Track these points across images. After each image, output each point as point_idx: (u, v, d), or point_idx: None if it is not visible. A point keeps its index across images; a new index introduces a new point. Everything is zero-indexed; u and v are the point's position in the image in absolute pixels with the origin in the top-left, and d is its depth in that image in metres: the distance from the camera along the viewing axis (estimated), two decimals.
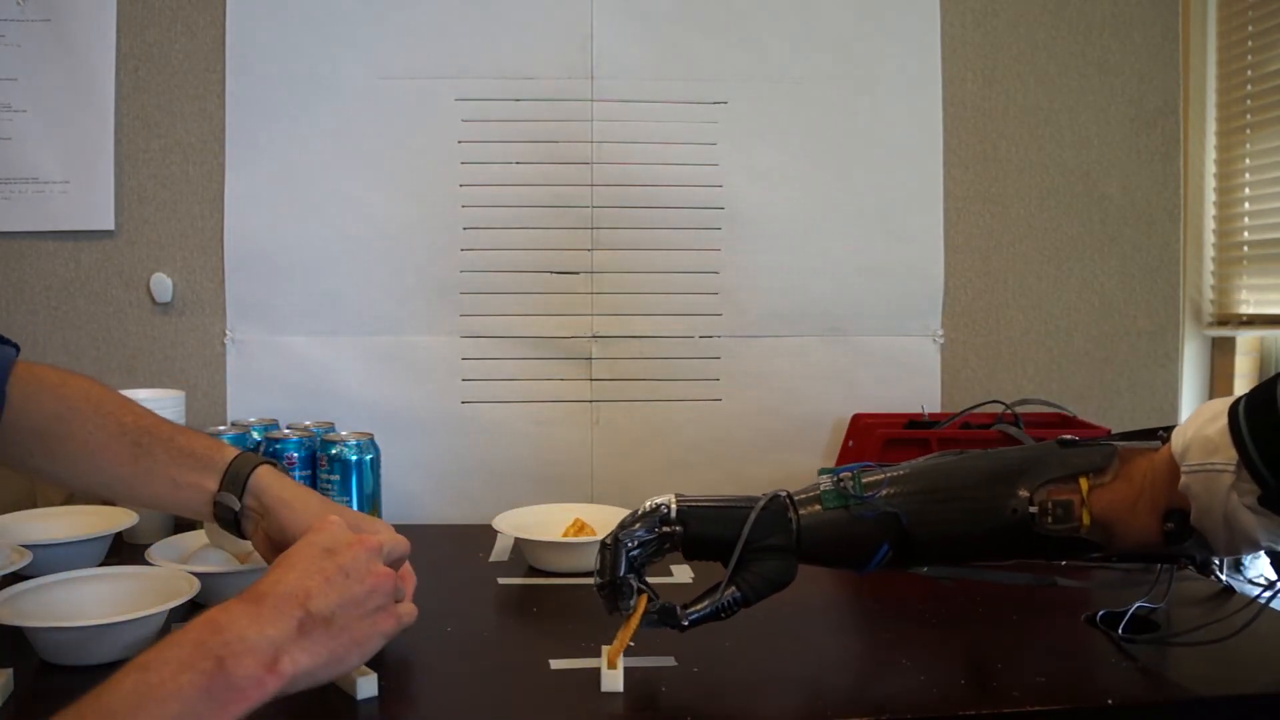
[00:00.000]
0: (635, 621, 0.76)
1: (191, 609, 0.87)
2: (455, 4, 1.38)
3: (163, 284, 1.36)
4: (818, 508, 0.80)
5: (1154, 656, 0.82)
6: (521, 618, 0.96)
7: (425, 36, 1.37)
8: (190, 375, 1.38)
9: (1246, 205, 1.44)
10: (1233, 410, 0.68)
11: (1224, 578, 1.05)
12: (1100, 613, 0.89)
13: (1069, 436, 0.79)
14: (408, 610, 0.70)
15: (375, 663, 0.71)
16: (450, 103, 1.38)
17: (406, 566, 0.78)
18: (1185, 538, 0.71)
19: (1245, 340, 1.47)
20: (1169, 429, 0.75)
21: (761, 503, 0.79)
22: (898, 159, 1.44)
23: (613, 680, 0.74)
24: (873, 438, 1.26)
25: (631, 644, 0.77)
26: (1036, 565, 1.08)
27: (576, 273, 1.40)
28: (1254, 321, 1.42)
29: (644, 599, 0.77)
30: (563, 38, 1.39)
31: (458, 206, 1.39)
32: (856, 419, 1.40)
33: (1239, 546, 0.70)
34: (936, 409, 1.43)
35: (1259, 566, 1.17)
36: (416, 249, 1.38)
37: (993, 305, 1.47)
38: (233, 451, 0.83)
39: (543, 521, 1.14)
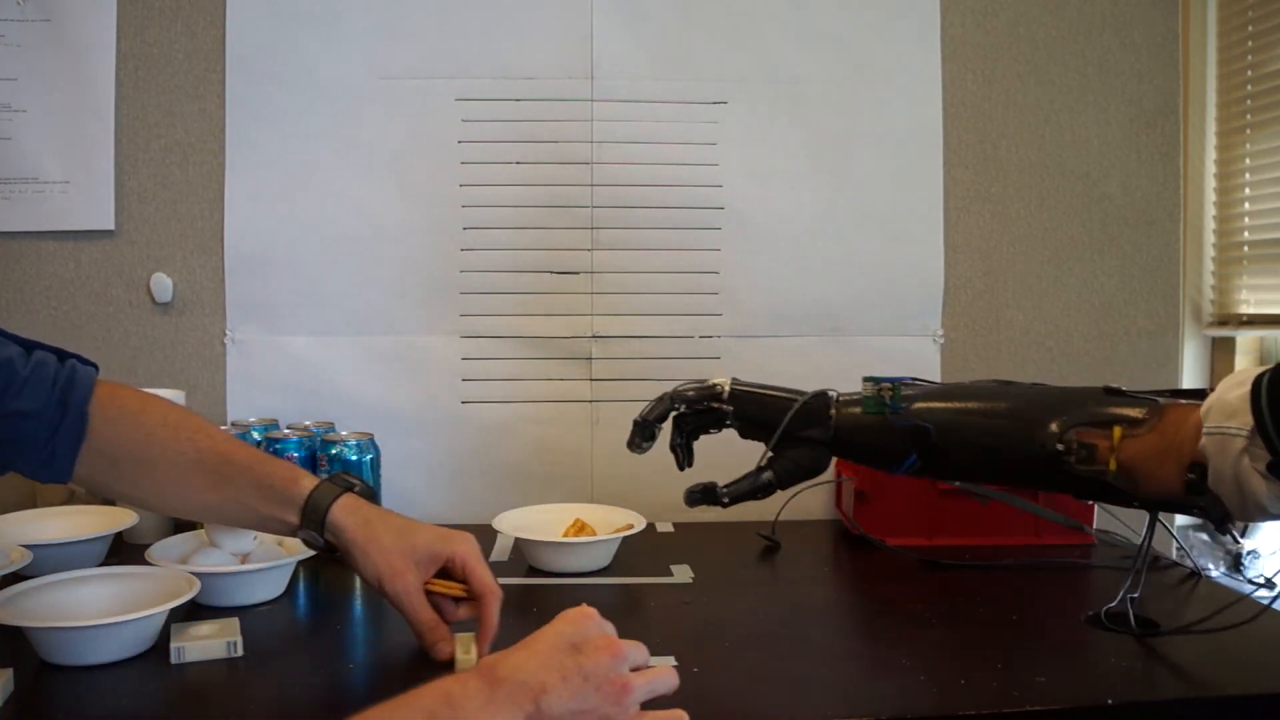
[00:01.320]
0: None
1: (191, 608, 0.87)
2: (455, 4, 1.38)
3: (163, 284, 1.36)
4: (857, 410, 0.89)
5: (1154, 656, 0.82)
6: (521, 618, 0.96)
7: (425, 36, 1.37)
8: (190, 375, 1.38)
9: (1246, 205, 1.44)
10: (1258, 378, 0.69)
11: (1216, 574, 1.05)
12: (1109, 609, 0.89)
13: (1116, 386, 0.82)
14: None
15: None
16: (450, 103, 1.38)
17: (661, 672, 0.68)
18: (1205, 491, 0.72)
19: (1245, 340, 1.47)
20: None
21: (806, 397, 0.90)
22: (898, 159, 1.44)
23: None
24: None
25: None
26: (1071, 507, 1.14)
27: (576, 273, 1.40)
28: (1254, 321, 1.42)
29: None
30: (563, 38, 1.39)
31: (458, 206, 1.39)
32: None
33: (1250, 511, 0.71)
34: None
35: (1259, 566, 1.17)
36: (416, 249, 1.38)
37: (993, 305, 1.47)
38: (310, 483, 0.83)
39: (543, 521, 1.14)
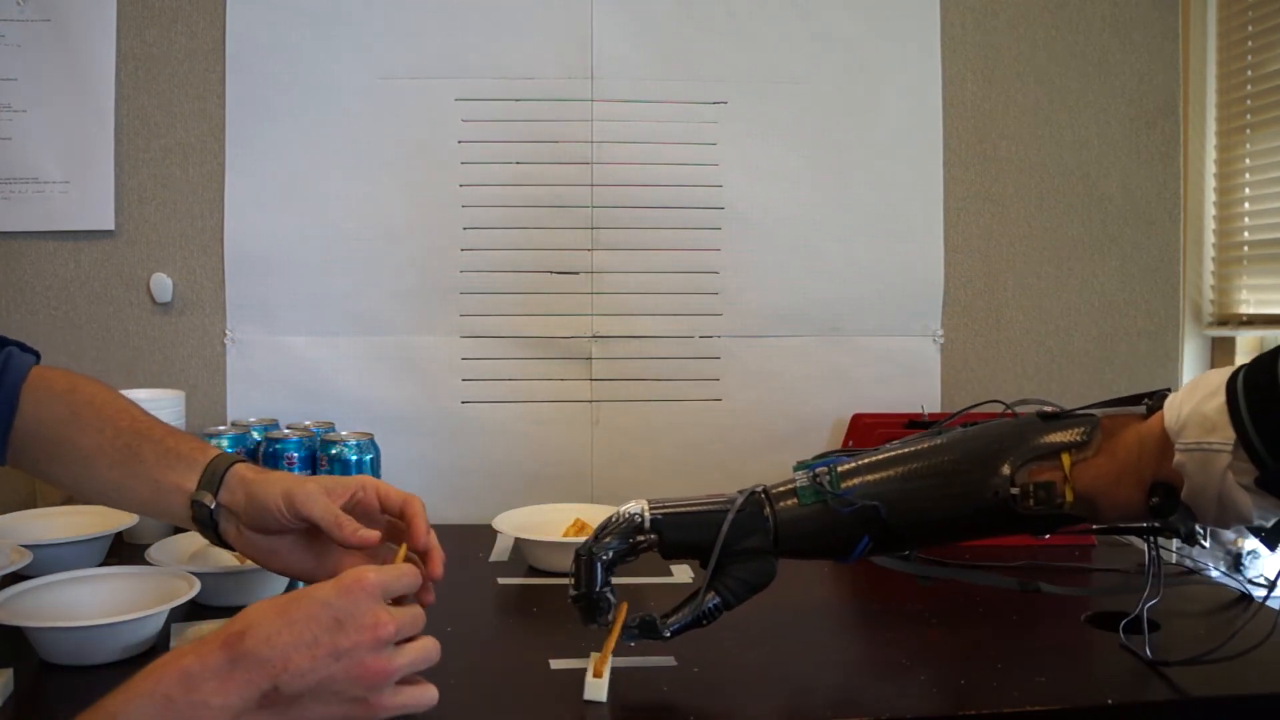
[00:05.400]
0: (617, 632, 0.76)
1: (191, 608, 0.87)
2: (455, 4, 1.38)
3: (163, 284, 1.36)
4: (794, 502, 0.79)
5: (1153, 656, 0.82)
6: (521, 618, 0.96)
7: (425, 36, 1.37)
8: (190, 375, 1.38)
9: (1246, 205, 1.44)
10: (1230, 386, 0.67)
11: (1236, 583, 1.05)
12: (1124, 617, 0.88)
13: (1050, 409, 0.78)
14: (391, 705, 0.62)
15: None
16: (450, 103, 1.38)
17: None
18: (1171, 511, 0.70)
19: (1245, 340, 1.47)
20: (1155, 394, 0.74)
21: (737, 504, 0.78)
22: (898, 159, 1.44)
23: (597, 689, 0.73)
24: (873, 438, 1.26)
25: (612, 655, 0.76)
26: (1022, 569, 1.08)
27: (576, 273, 1.40)
28: (1254, 321, 1.42)
29: (623, 609, 0.77)
30: (563, 38, 1.39)
31: (458, 206, 1.39)
32: (856, 419, 1.40)
33: (1228, 522, 0.69)
34: (936, 409, 1.43)
35: (1259, 566, 1.17)
36: (416, 249, 1.38)
37: (993, 305, 1.47)
38: (216, 452, 0.81)
39: (543, 521, 1.14)
